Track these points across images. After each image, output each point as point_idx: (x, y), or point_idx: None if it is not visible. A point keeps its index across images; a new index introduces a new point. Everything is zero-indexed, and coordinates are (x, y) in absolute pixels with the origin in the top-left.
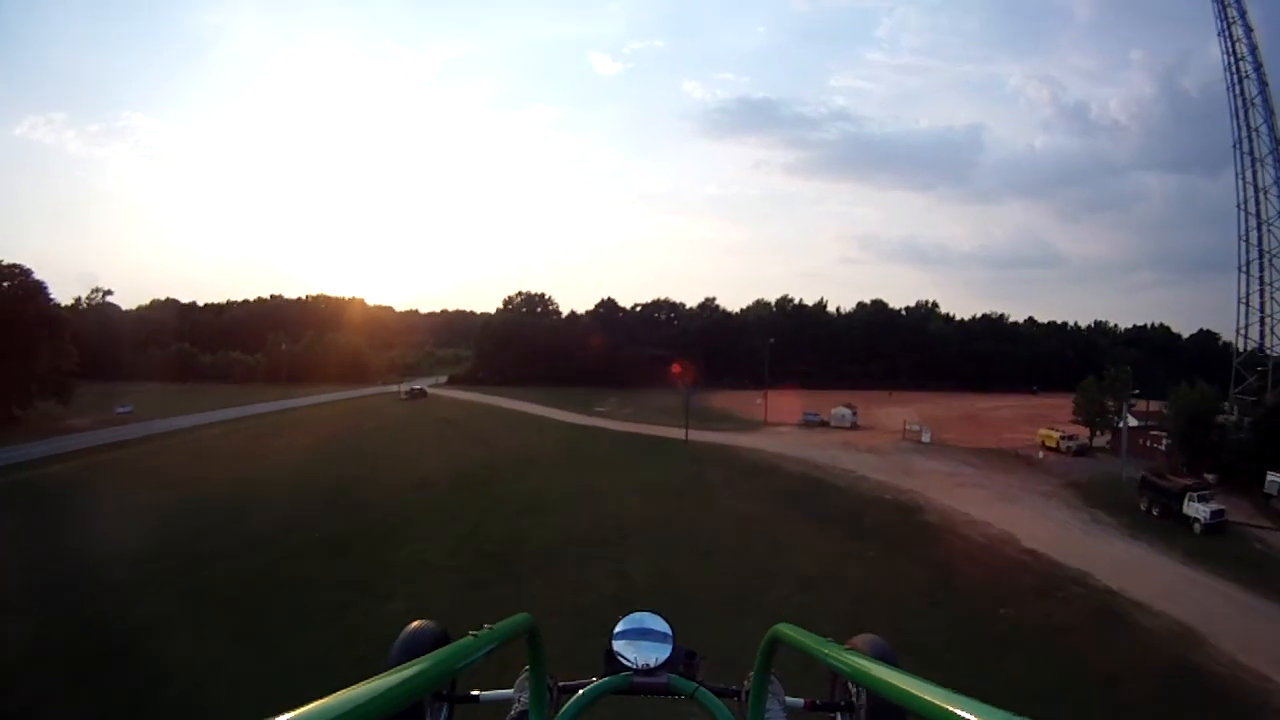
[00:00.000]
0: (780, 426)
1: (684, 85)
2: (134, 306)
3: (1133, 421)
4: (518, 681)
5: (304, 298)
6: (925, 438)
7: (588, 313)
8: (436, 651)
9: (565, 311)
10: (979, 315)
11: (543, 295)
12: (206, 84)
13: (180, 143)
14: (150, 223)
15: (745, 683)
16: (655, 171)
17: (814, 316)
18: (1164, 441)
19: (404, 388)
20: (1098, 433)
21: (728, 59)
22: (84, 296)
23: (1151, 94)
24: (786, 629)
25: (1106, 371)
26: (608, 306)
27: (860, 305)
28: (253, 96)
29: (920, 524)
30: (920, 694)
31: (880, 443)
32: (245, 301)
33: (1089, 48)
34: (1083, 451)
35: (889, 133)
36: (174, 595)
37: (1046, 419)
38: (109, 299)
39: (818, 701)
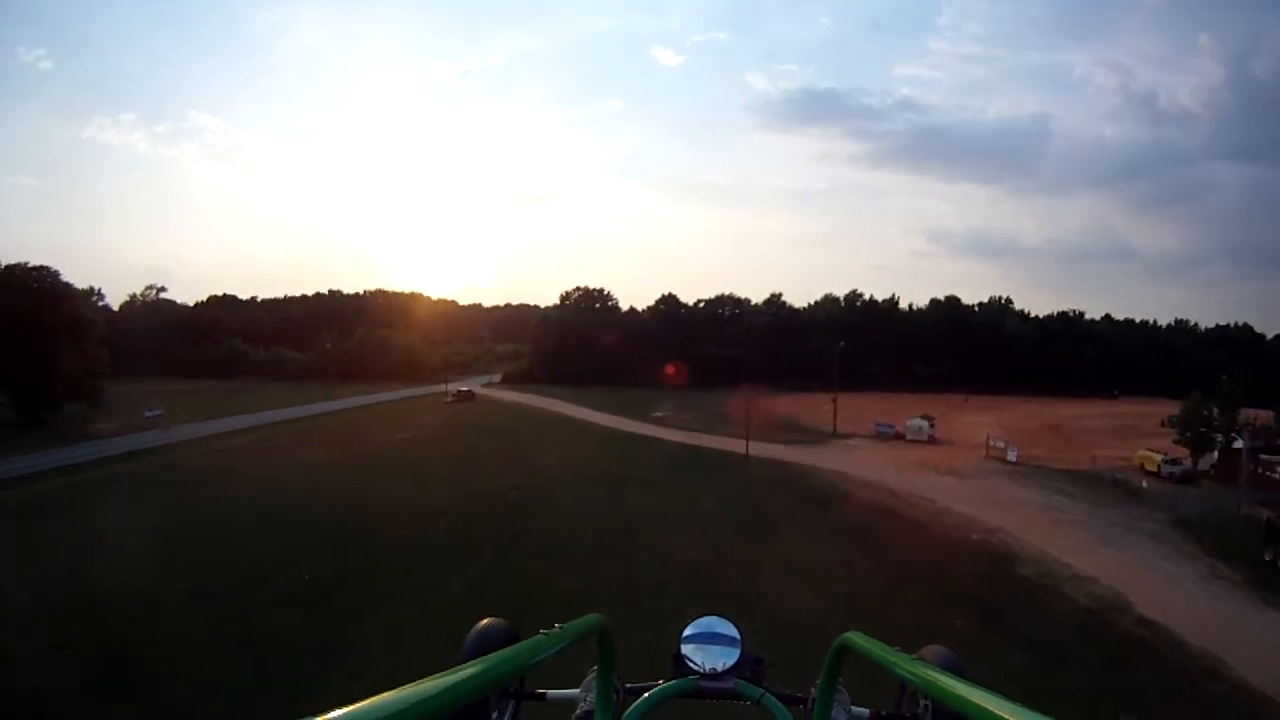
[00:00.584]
0: (850, 439)
1: (747, 77)
2: (193, 302)
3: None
4: (585, 681)
5: (362, 293)
6: (1011, 456)
7: (648, 309)
8: (505, 649)
9: (625, 308)
10: (1055, 313)
11: (602, 291)
12: (271, 83)
13: (245, 141)
14: (216, 220)
15: (813, 690)
16: (719, 164)
17: (885, 314)
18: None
19: (451, 388)
20: (1201, 455)
21: (791, 50)
22: (139, 293)
23: (1222, 80)
24: (855, 637)
25: (1220, 384)
26: (669, 303)
27: (934, 302)
28: (316, 94)
29: (1015, 580)
30: (990, 708)
31: (962, 462)
32: (303, 297)
33: (1157, 32)
34: (1188, 478)
35: (955, 122)
36: (106, 659)
37: (1135, 430)
38: (163, 295)
39: (884, 712)
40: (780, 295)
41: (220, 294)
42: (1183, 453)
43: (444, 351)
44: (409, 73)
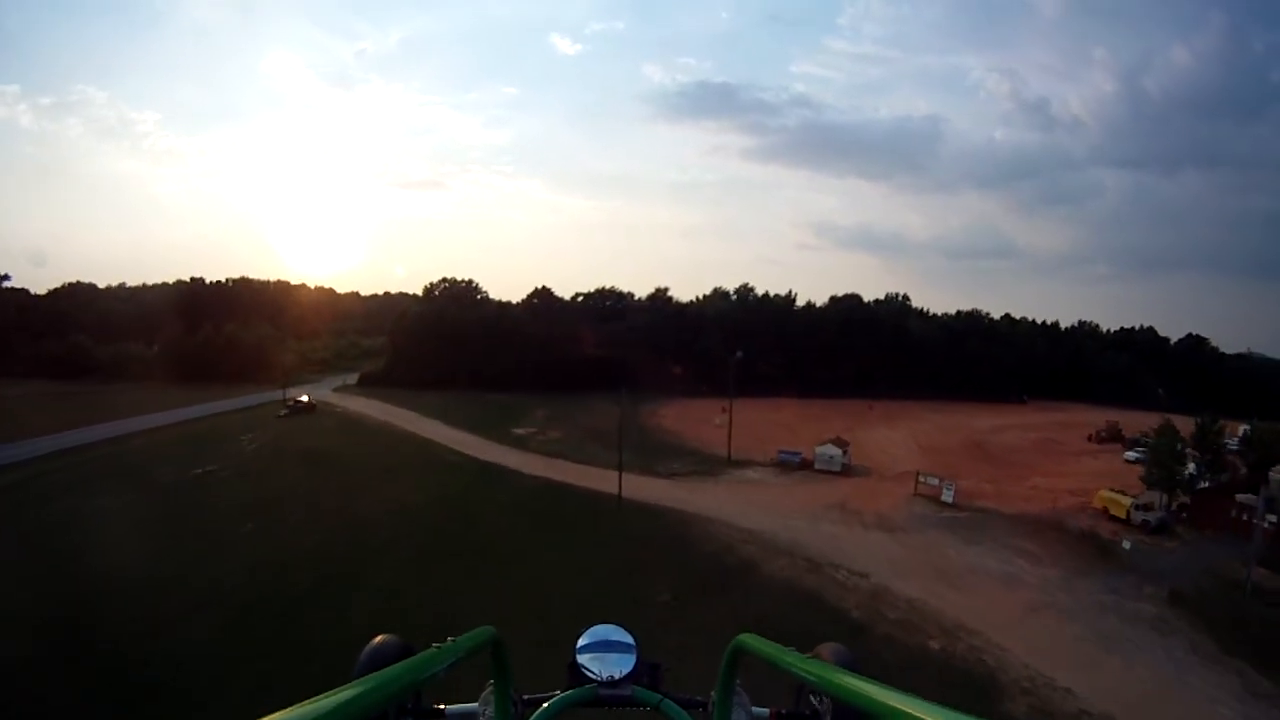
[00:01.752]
0: (749, 468)
1: (644, 68)
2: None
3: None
4: (482, 695)
5: (225, 281)
6: (947, 495)
7: (520, 304)
8: (399, 664)
9: (500, 301)
10: (957, 312)
11: (470, 282)
12: (160, 57)
13: (132, 118)
14: (98, 200)
15: (712, 694)
16: (611, 155)
17: (780, 311)
18: (1266, 516)
19: (291, 396)
20: (1173, 493)
21: (689, 43)
22: None
23: (1112, 92)
24: (750, 639)
25: (1200, 419)
26: (543, 296)
27: (833, 299)
28: (206, 68)
29: None
30: (884, 699)
31: (889, 505)
32: (162, 285)
33: (1052, 43)
34: (1162, 527)
35: (848, 121)
36: None
37: (1061, 448)
38: (8, 283)
39: (783, 711)
40: (666, 290)
41: (74, 281)
42: (1140, 489)
43: (303, 347)
44: (303, 49)
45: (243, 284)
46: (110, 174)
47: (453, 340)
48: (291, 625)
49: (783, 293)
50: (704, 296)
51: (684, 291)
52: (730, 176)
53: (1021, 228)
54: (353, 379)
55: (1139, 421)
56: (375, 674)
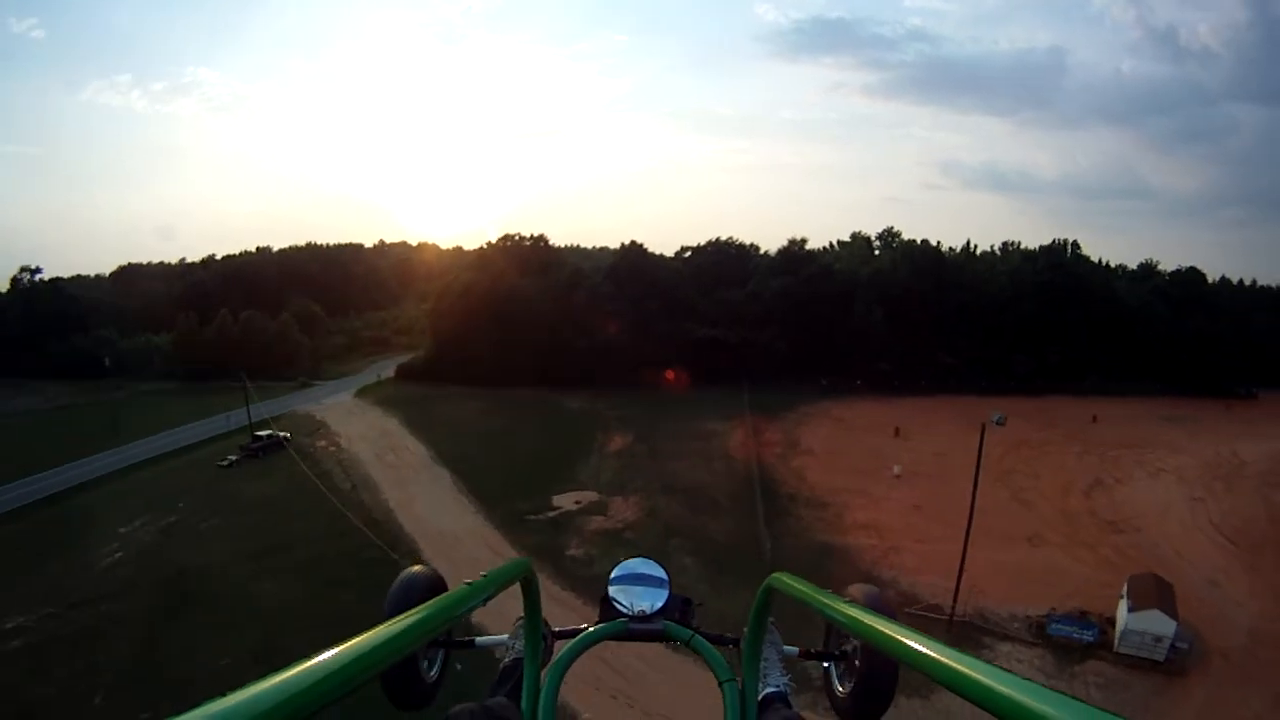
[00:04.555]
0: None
1: (756, 7)
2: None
3: None
4: (514, 628)
5: (291, 248)
6: None
7: (604, 267)
8: (435, 600)
9: (586, 264)
10: (1172, 271)
11: (538, 238)
12: (266, 31)
13: (245, 94)
14: (219, 175)
15: (744, 631)
16: (729, 97)
17: (957, 269)
18: None
19: (257, 426)
20: None
21: None
22: (17, 274)
23: (1244, 20)
24: (783, 578)
25: None
26: (631, 255)
27: (1023, 253)
28: (313, 37)
29: None
30: (914, 645)
31: None
32: (235, 256)
33: None
34: None
35: (968, 54)
36: None
37: None
38: (39, 277)
39: (812, 650)
40: (803, 241)
41: (127, 263)
42: None
43: (364, 322)
44: (408, 8)
45: (307, 251)
46: (226, 148)
47: (512, 317)
48: None
49: (974, 249)
50: (839, 244)
51: (816, 240)
52: (852, 114)
53: (1154, 167)
54: (386, 372)
55: None
56: (411, 612)
